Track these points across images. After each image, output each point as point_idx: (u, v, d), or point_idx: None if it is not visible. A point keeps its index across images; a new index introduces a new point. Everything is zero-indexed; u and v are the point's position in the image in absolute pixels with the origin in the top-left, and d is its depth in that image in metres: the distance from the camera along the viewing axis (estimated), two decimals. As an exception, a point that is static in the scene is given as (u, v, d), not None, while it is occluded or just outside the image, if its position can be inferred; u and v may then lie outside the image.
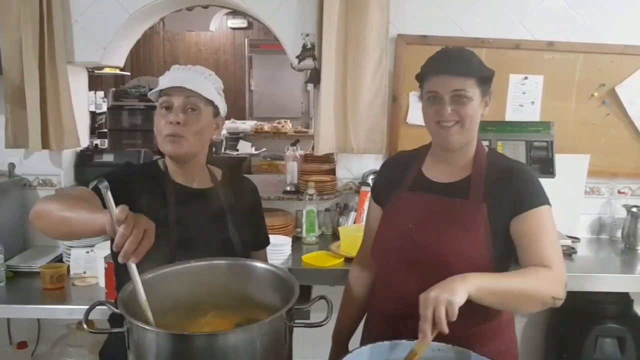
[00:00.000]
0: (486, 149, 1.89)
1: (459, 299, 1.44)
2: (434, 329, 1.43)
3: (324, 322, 1.44)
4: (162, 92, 1.84)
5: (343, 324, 2.13)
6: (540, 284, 1.61)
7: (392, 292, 1.87)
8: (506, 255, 1.78)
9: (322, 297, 1.54)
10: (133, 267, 1.39)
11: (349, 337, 2.13)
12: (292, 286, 1.50)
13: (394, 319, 1.85)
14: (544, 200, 1.76)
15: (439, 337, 1.46)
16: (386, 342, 1.52)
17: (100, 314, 2.07)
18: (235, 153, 6.37)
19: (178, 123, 1.80)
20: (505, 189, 1.76)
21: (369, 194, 3.25)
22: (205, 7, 5.10)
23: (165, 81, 1.86)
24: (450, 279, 1.49)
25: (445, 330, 1.41)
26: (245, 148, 6.56)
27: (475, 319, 1.68)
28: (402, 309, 1.77)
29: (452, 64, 1.73)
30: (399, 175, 1.95)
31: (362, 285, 2.11)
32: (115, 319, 1.87)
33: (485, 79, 1.78)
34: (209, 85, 1.89)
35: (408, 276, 1.80)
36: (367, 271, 2.09)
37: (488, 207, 1.75)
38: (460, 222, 1.76)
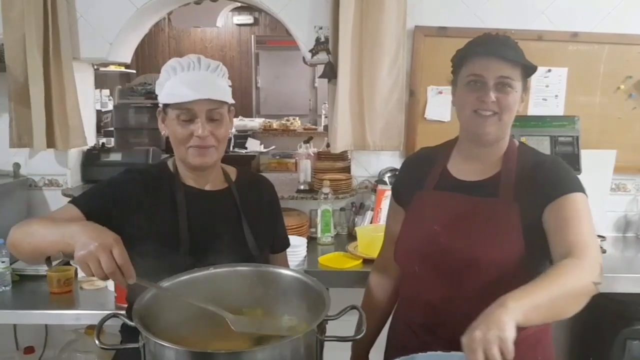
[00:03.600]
0: (517, 143, 1.78)
1: (510, 333, 1.20)
2: None
3: (359, 336, 1.32)
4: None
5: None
6: (578, 276, 1.42)
7: (418, 299, 1.75)
8: (540, 257, 1.64)
9: (353, 307, 1.43)
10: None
11: (370, 347, 2.01)
12: (322, 296, 1.39)
13: (421, 328, 1.73)
14: (579, 188, 1.62)
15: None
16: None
17: (111, 320, 1.97)
18: (244, 151, 6.28)
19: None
20: (536, 183, 1.64)
21: (386, 192, 3.22)
22: (214, 0, 5.01)
23: (179, 86, 1.70)
24: (489, 312, 1.25)
25: None
26: (254, 146, 6.47)
27: None
28: (429, 318, 1.68)
29: (501, 48, 1.62)
30: (422, 174, 1.83)
31: (383, 291, 1.99)
32: (128, 328, 1.76)
33: (529, 70, 1.67)
34: (224, 84, 1.79)
35: (435, 282, 1.68)
36: (388, 276, 1.97)
37: (519, 205, 1.63)
38: (489, 223, 1.64)
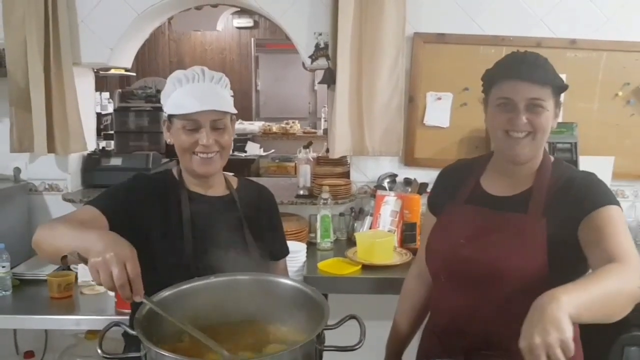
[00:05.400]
0: (552, 158, 1.78)
1: (569, 332, 1.19)
2: None
3: (357, 347, 1.32)
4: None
5: (397, 333, 2.05)
6: (626, 278, 1.40)
7: (443, 307, 1.79)
8: (564, 273, 1.58)
9: (352, 317, 1.43)
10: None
11: (404, 348, 2.05)
12: (321, 306, 1.39)
13: (444, 334, 1.77)
14: (613, 201, 1.61)
15: (492, 358, 1.31)
16: None
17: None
18: (243, 155, 6.29)
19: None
20: (567, 199, 1.64)
21: (385, 198, 3.23)
22: (215, 6, 5.03)
23: (185, 98, 1.75)
24: (541, 308, 1.23)
25: None
26: (253, 149, 6.48)
27: None
28: (451, 325, 1.71)
29: (529, 70, 1.62)
30: (455, 186, 1.86)
31: (417, 296, 2.03)
32: (130, 335, 1.77)
33: (560, 88, 1.67)
34: (227, 95, 1.85)
35: (458, 292, 1.71)
36: (422, 282, 2.00)
37: (547, 222, 1.63)
38: (515, 239, 1.65)
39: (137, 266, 1.31)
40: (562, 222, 1.62)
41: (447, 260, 1.75)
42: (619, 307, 1.37)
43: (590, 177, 1.70)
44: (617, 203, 1.62)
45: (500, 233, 1.67)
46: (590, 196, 1.62)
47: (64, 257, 1.44)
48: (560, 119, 3.23)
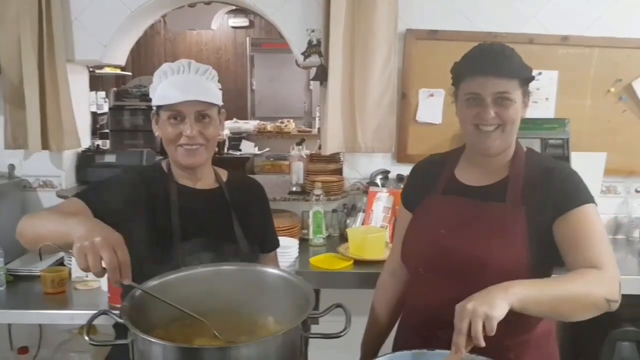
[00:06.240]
0: (525, 148, 1.79)
1: (499, 313, 1.31)
2: (469, 342, 1.32)
3: (342, 333, 1.33)
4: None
5: (372, 333, 2.04)
6: (591, 287, 1.46)
7: (423, 301, 1.77)
8: (545, 262, 1.67)
9: (338, 305, 1.44)
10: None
11: (379, 347, 2.02)
12: (307, 294, 1.40)
13: (425, 330, 1.74)
14: (589, 199, 1.63)
15: (472, 349, 1.36)
16: (408, 352, 1.43)
17: (105, 319, 1.99)
18: (238, 153, 6.31)
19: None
20: (545, 190, 1.65)
21: (378, 194, 3.24)
22: (208, 3, 5.03)
23: (169, 89, 1.77)
24: (490, 290, 1.37)
25: (482, 344, 1.30)
26: (248, 148, 6.49)
27: (510, 331, 1.52)
28: (433, 320, 1.69)
29: (495, 64, 1.62)
30: (430, 180, 1.86)
31: (392, 293, 2.01)
32: (120, 326, 1.78)
33: (527, 79, 1.68)
34: (214, 87, 1.85)
35: (439, 285, 1.71)
36: (397, 279, 1.99)
37: (526, 210, 1.65)
38: (495, 227, 1.66)
39: (126, 251, 1.33)
40: (540, 214, 1.64)
41: (427, 252, 1.74)
42: (575, 312, 1.48)
43: (566, 170, 1.71)
44: (593, 200, 1.64)
45: (480, 222, 1.68)
46: (568, 193, 1.63)
47: (43, 247, 1.45)
48: (552, 115, 3.31)
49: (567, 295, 1.44)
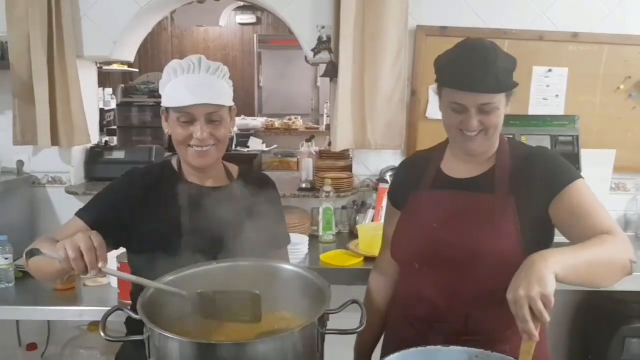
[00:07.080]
0: (505, 138, 1.79)
1: (551, 287, 1.31)
2: (535, 322, 1.31)
3: (359, 329, 1.33)
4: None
5: (366, 334, 2.00)
6: (614, 249, 1.48)
7: (419, 294, 1.75)
8: (539, 247, 1.67)
9: (354, 301, 1.44)
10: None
11: (373, 346, 2.02)
12: (323, 290, 1.40)
13: (421, 322, 1.74)
14: (576, 175, 1.65)
15: (471, 343, 1.36)
16: (421, 348, 1.42)
17: (116, 315, 1.99)
18: (246, 150, 6.28)
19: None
20: (532, 177, 1.67)
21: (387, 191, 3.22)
22: (217, -1, 5.02)
23: (179, 89, 1.73)
24: (529, 267, 1.35)
25: (548, 319, 1.30)
26: (256, 145, 6.47)
27: (507, 321, 1.50)
28: (430, 312, 1.69)
29: (480, 79, 1.58)
30: (416, 175, 1.85)
31: (384, 292, 1.99)
32: (132, 322, 1.79)
33: (511, 87, 1.66)
34: (225, 86, 1.81)
35: (435, 277, 1.70)
36: (387, 277, 1.98)
37: (515, 198, 1.65)
38: (487, 218, 1.66)
39: (101, 239, 1.42)
40: (530, 198, 1.65)
41: (420, 246, 1.73)
42: (607, 275, 1.48)
43: (546, 152, 1.74)
44: (580, 175, 1.66)
45: (471, 214, 1.68)
46: (555, 173, 1.65)
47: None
48: (562, 112, 3.30)
49: (597, 259, 1.45)
